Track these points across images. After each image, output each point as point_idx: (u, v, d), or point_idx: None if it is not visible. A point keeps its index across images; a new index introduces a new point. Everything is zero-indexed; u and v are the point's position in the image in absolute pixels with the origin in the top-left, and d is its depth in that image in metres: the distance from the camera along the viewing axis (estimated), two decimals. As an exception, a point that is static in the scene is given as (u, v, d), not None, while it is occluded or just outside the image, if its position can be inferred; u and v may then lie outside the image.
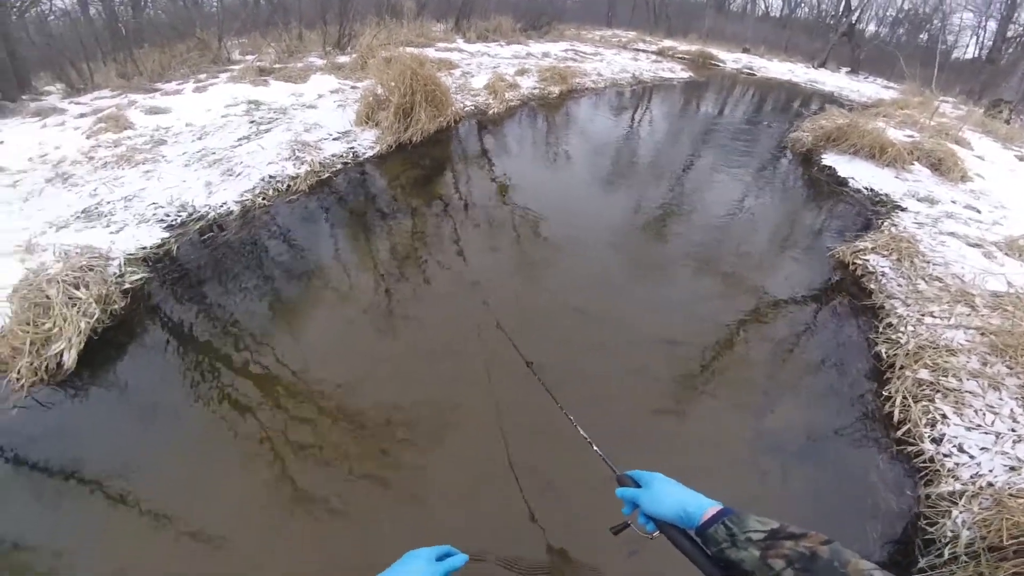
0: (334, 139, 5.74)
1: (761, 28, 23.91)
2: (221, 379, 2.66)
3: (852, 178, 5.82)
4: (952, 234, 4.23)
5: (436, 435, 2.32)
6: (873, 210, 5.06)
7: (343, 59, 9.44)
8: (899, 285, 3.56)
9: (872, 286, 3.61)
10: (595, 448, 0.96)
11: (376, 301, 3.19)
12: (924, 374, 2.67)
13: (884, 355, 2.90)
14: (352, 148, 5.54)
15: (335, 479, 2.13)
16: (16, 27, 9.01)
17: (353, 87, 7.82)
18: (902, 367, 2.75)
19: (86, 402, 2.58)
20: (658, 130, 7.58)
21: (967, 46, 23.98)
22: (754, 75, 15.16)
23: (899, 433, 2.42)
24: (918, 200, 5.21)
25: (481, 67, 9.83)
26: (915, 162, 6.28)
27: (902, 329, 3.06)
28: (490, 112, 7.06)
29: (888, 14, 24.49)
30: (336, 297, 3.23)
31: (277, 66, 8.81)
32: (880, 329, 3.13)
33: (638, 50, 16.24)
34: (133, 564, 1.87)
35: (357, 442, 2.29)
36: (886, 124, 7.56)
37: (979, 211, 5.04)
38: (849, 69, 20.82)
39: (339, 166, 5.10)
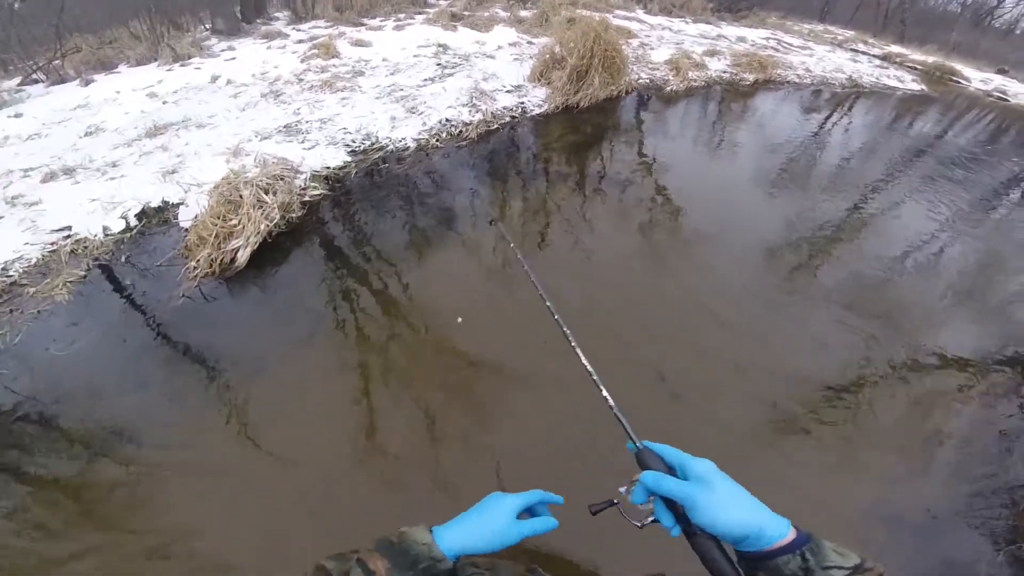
0: (507, 91, 5.74)
1: (1030, 44, 18.82)
2: (360, 301, 2.81)
3: None
4: None
5: (528, 380, 2.41)
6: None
7: (525, 13, 9.41)
8: None
9: None
10: (616, 412, 0.75)
11: (499, 261, 3.14)
12: None
13: None
14: (522, 103, 5.48)
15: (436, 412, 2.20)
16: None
17: (530, 43, 7.75)
18: None
19: (243, 302, 2.81)
20: (868, 144, 6.34)
21: None
22: (1007, 100, 12.01)
23: None
24: None
25: (662, 41, 9.11)
26: None
27: None
28: (667, 88, 6.51)
29: None
30: (475, 249, 3.21)
31: (466, 13, 9.08)
32: None
33: (856, 51, 13.79)
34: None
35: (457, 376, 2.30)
36: None
37: None
38: None
39: (508, 119, 5.09)
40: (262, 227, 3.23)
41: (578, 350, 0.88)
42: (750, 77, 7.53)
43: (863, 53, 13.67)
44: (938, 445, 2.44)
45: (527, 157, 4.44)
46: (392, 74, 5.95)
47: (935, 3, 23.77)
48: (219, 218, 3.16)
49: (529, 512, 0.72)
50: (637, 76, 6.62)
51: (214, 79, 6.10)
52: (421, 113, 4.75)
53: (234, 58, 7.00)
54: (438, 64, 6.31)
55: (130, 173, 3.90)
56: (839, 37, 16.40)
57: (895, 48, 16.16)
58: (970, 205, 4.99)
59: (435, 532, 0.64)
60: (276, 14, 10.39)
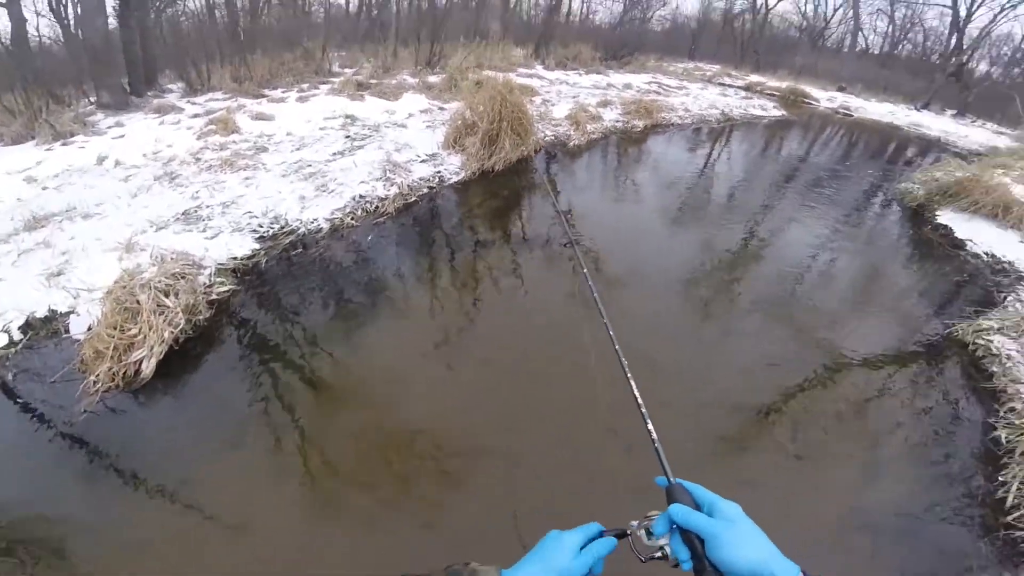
0: (422, 161, 5.82)
1: (859, 66, 22.40)
2: (285, 399, 2.65)
3: (970, 240, 5.19)
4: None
5: (483, 452, 2.32)
6: (994, 280, 4.47)
7: (433, 79, 9.70)
8: None
9: (994, 368, 3.26)
10: (656, 445, 0.78)
11: (442, 335, 3.13)
12: None
13: (1003, 440, 2.70)
14: (439, 172, 5.58)
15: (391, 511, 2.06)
16: (153, 26, 9.91)
17: (441, 108, 7.97)
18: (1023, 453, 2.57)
19: (156, 413, 2.58)
20: (749, 171, 7.17)
21: None
22: (851, 116, 14.16)
23: (1009, 518, 2.28)
24: (1054, 276, 4.51)
25: (561, 96, 9.78)
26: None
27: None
28: (571, 144, 6.95)
29: (1003, 53, 22.10)
30: (412, 333, 3.19)
31: (373, 81, 9.19)
32: (1001, 413, 2.89)
33: (724, 84, 15.65)
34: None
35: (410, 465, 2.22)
36: (1005, 177, 6.69)
37: None
38: (955, 112, 19.05)
39: (425, 190, 5.14)
40: (166, 335, 2.96)
41: (632, 382, 0.92)
42: (640, 123, 8.27)
43: (729, 86, 15.55)
44: (883, 444, 2.68)
45: (450, 227, 4.49)
46: (298, 149, 5.84)
47: (779, 31, 27.54)
48: (115, 328, 2.86)
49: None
50: (543, 134, 7.01)
51: (101, 160, 5.63)
52: (332, 191, 4.68)
53: (123, 135, 6.52)
54: (347, 136, 6.30)
55: (8, 276, 3.45)
56: (708, 73, 18.53)
57: (754, 77, 18.49)
58: (842, 217, 5.73)
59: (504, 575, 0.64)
60: (169, 86, 9.86)
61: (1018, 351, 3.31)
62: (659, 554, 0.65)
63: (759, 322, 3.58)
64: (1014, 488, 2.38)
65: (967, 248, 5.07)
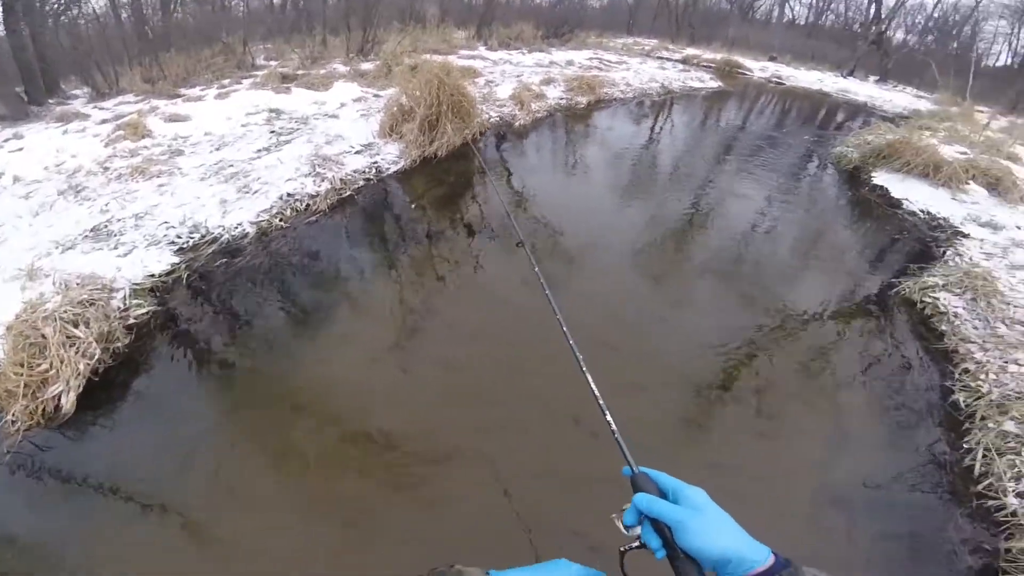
0: (356, 152, 5.43)
1: (787, 36, 23.14)
2: (228, 424, 2.37)
3: (906, 199, 5.33)
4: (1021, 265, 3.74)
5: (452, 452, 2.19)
6: (932, 236, 4.58)
7: (367, 66, 9.16)
8: (975, 328, 3.17)
9: (943, 327, 3.23)
10: (616, 436, 0.77)
11: (393, 338, 2.86)
12: (1010, 426, 2.43)
13: (963, 404, 2.63)
14: (375, 163, 5.22)
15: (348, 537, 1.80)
16: (49, 31, 8.95)
17: (376, 95, 7.52)
18: (983, 418, 2.52)
19: (84, 446, 2.34)
20: (692, 142, 7.14)
21: (999, 53, 22.83)
22: (783, 84, 14.55)
23: (979, 487, 2.22)
24: (980, 225, 4.71)
25: (505, 75, 9.48)
26: (971, 181, 5.74)
27: (982, 377, 2.76)
28: (516, 124, 6.70)
29: (917, 21, 23.49)
30: (360, 338, 2.91)
31: (300, 72, 8.58)
32: (956, 375, 2.83)
33: (662, 58, 15.73)
34: None
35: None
36: (931, 138, 7.01)
37: (1054, 238, 4.52)
38: (878, 78, 20.00)
39: (361, 183, 4.78)
40: (81, 367, 2.60)
41: (588, 375, 0.90)
42: (583, 100, 8.10)
43: (667, 59, 15.64)
44: (845, 414, 2.59)
45: (391, 221, 4.18)
46: (217, 149, 5.31)
47: (712, 4, 28.01)
48: (23, 365, 2.53)
49: None
50: (488, 116, 6.73)
51: (-5, 179, 4.97)
52: (256, 191, 4.25)
53: (21, 148, 5.77)
54: (272, 132, 5.78)
55: None
56: (646, 47, 18.61)
57: (691, 50, 18.71)
58: (783, 183, 5.76)
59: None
60: (73, 92, 8.90)
61: (964, 308, 3.33)
62: (636, 544, 0.64)
63: (712, 293, 3.51)
64: (980, 455, 2.32)
65: (903, 207, 5.18)
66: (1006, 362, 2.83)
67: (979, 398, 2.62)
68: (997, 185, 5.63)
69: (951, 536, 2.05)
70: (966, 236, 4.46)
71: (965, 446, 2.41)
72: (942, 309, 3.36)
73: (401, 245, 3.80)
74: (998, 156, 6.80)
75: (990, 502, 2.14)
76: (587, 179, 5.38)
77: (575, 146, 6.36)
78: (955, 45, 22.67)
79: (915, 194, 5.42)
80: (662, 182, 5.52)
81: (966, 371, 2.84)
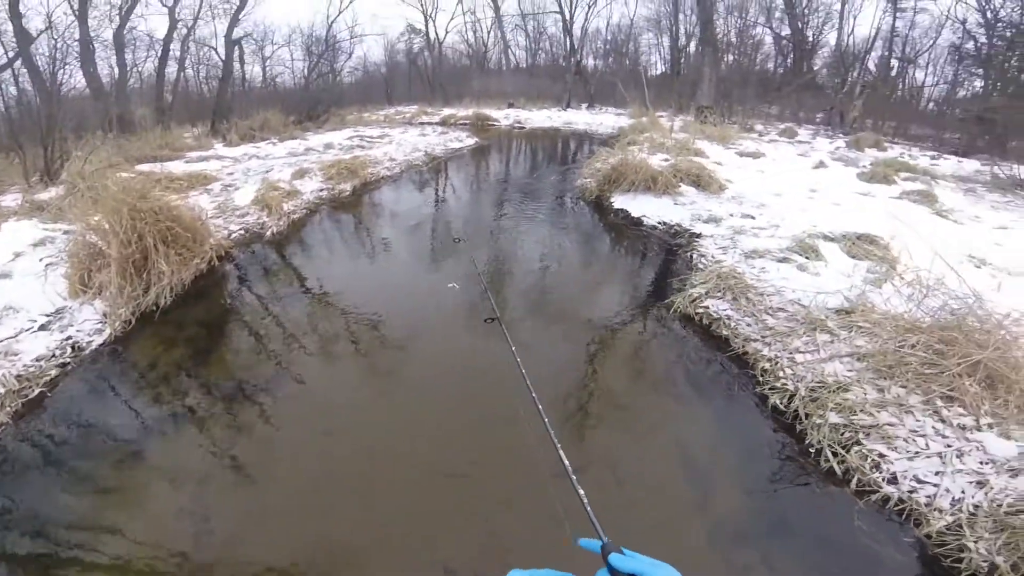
0: (41, 327, 3.79)
1: (516, 80, 26.38)
2: None
3: (644, 216, 6.02)
4: (756, 253, 4.40)
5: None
6: (675, 243, 5.14)
7: (47, 195, 6.97)
8: (748, 326, 3.35)
9: (724, 332, 3.36)
10: (587, 508, 0.79)
11: None
12: (835, 418, 2.43)
13: (781, 406, 2.63)
14: (69, 338, 3.69)
15: None
16: None
17: (66, 232, 5.65)
18: (808, 415, 2.50)
19: None
20: (464, 204, 7.12)
21: (656, 63, 27.80)
22: (524, 128, 16.42)
23: (853, 486, 2.15)
24: (704, 222, 5.55)
25: (249, 175, 8.32)
26: (680, 183, 6.90)
27: (780, 373, 2.82)
28: (267, 233, 5.70)
29: (599, 47, 28.19)
30: None
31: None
32: (760, 379, 2.85)
33: (423, 123, 16.32)
34: None
35: None
36: (641, 153, 8.36)
37: (753, 217, 5.54)
38: (587, 104, 24.28)
39: (54, 372, 3.27)
40: None
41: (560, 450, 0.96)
42: (347, 187, 7.46)
43: (428, 124, 16.35)
44: (686, 444, 2.45)
45: (104, 419, 2.85)
46: None
47: (453, 62, 30.63)
48: None
49: None
50: (227, 231, 5.57)
51: None
52: None
53: None
54: None
55: None
56: (407, 114, 19.21)
57: (447, 111, 19.98)
58: (549, 221, 6.04)
59: None
60: None
61: (731, 309, 3.52)
62: None
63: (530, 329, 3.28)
64: (830, 455, 2.27)
65: (644, 223, 5.77)
66: (790, 352, 2.94)
67: (791, 397, 2.62)
68: (699, 182, 6.87)
69: (867, 543, 1.94)
70: (699, 236, 5.16)
71: (811, 450, 2.35)
72: (715, 315, 3.50)
73: (140, 438, 2.57)
74: (688, 154, 8.49)
75: (872, 496, 2.09)
76: (371, 272, 4.74)
77: (346, 239, 5.70)
78: (627, 62, 28.35)
79: (647, 208, 6.18)
80: (440, 248, 5.31)
81: (764, 371, 2.87)
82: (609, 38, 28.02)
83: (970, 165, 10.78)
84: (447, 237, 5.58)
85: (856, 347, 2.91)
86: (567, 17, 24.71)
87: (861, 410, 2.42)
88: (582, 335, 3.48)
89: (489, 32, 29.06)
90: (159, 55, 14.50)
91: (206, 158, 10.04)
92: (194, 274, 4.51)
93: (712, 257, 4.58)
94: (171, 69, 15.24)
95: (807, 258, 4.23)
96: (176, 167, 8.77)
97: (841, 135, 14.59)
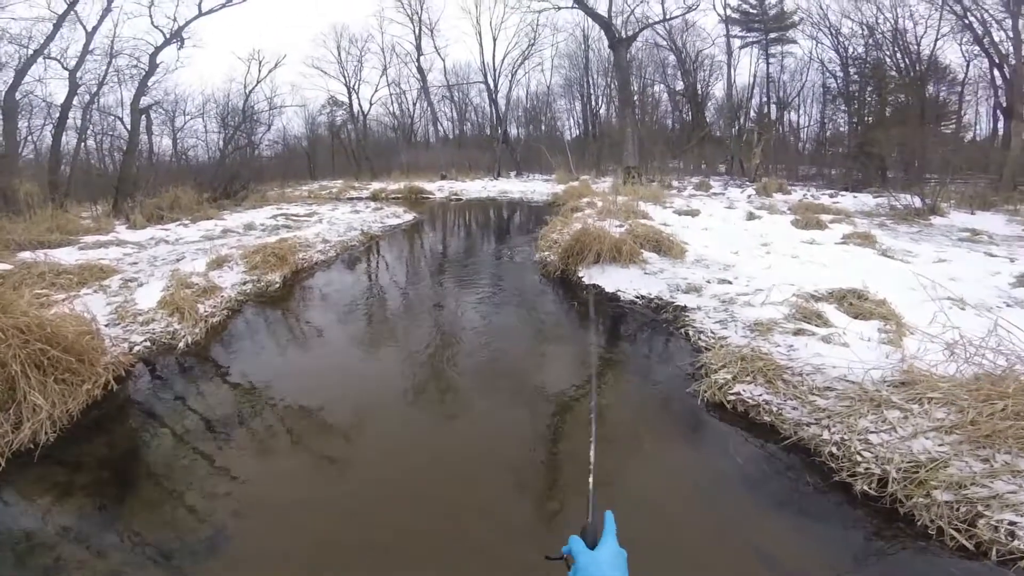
0: None
1: (445, 152, 26.48)
2: None
3: (619, 290, 5.55)
4: (761, 326, 3.98)
5: None
6: (662, 319, 4.69)
7: None
8: (794, 409, 2.93)
9: (767, 419, 2.94)
10: (590, 486, 0.82)
11: None
12: (944, 496, 2.15)
13: (872, 492, 2.30)
14: None
15: None
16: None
17: None
18: (908, 496, 2.22)
19: None
20: (423, 288, 6.33)
21: (571, 128, 29.74)
22: (461, 199, 16.17)
23: (993, 557, 1.94)
24: (684, 292, 5.16)
25: (156, 264, 6.93)
26: (642, 251, 6.62)
27: (857, 458, 2.46)
28: (180, 343, 4.42)
29: (520, 115, 29.50)
30: None
31: None
32: (832, 467, 2.50)
33: (353, 199, 15.46)
34: None
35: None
36: (591, 218, 8.10)
37: (730, 282, 5.26)
38: (515, 172, 24.94)
39: None
40: None
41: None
42: (276, 277, 6.30)
43: (358, 199, 15.52)
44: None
45: None
46: None
47: (378, 135, 30.29)
48: None
49: None
50: (128, 344, 4.22)
51: None
52: None
53: None
54: None
55: None
56: (333, 189, 18.26)
57: (376, 184, 19.33)
58: (514, 305, 5.44)
59: None
60: None
61: (767, 393, 3.07)
62: None
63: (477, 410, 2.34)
64: (951, 530, 1.96)
65: (621, 299, 5.30)
66: (861, 435, 2.58)
67: (882, 481, 2.32)
68: (659, 247, 6.64)
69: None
70: (685, 309, 4.73)
71: (929, 531, 2.06)
72: (751, 401, 3.07)
73: None
74: (636, 218, 8.42)
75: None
76: (313, 384, 3.62)
77: (281, 347, 4.56)
78: (543, 128, 29.85)
79: (619, 281, 5.71)
80: (397, 323, 4.77)
81: (833, 456, 2.54)
82: (528, 106, 29.38)
83: (864, 199, 11.97)
84: (408, 341, 4.62)
85: (937, 420, 2.58)
86: (492, 87, 25.69)
87: (972, 483, 2.19)
88: (616, 442, 2.79)
89: (415, 104, 29.39)
90: (55, 123, 12.39)
91: (105, 244, 8.39)
92: (85, 402, 3.24)
93: (711, 333, 4.14)
94: (73, 139, 13.18)
95: (816, 326, 3.89)
96: (67, 255, 7.14)
97: (748, 183, 15.88)
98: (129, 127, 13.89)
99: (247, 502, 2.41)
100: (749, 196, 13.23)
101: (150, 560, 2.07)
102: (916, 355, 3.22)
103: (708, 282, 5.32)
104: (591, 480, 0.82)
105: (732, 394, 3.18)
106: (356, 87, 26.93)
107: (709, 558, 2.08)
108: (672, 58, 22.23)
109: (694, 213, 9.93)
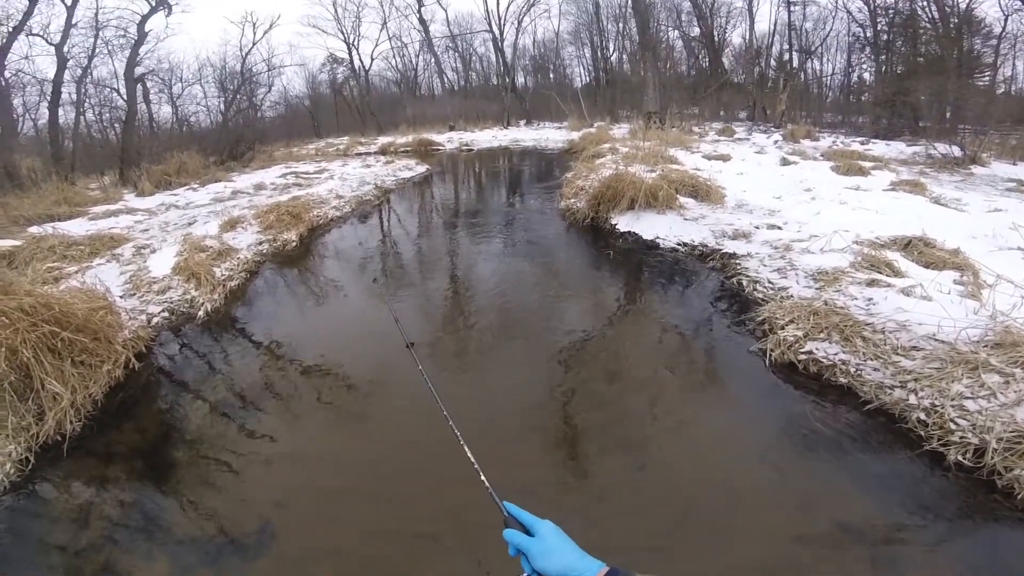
0: None
1: (452, 103, 25.17)
2: None
3: (657, 237, 5.08)
4: (826, 274, 3.53)
5: None
6: (709, 268, 4.26)
7: None
8: (875, 371, 2.58)
9: (842, 380, 2.61)
10: (482, 478, 0.82)
11: None
12: None
13: (968, 463, 2.04)
14: None
15: None
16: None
17: None
18: (1008, 468, 1.96)
19: None
20: (450, 242, 5.90)
21: (580, 75, 28.33)
22: (472, 150, 15.31)
23: None
24: (731, 239, 4.67)
25: (168, 229, 6.57)
26: (678, 196, 6.05)
27: (951, 426, 2.16)
28: (199, 312, 4.11)
29: (527, 64, 28.05)
30: None
31: None
32: (922, 435, 2.22)
33: (361, 154, 14.70)
34: None
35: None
36: (627, 164, 7.46)
37: (780, 227, 4.75)
38: (525, 121, 23.66)
39: None
40: None
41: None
42: (292, 236, 5.91)
43: (367, 154, 14.76)
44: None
45: None
46: None
47: (382, 90, 28.78)
48: None
49: None
50: (146, 316, 3.93)
51: None
52: None
53: None
54: None
55: None
56: (340, 146, 17.44)
57: (383, 139, 18.45)
58: (554, 250, 5.06)
59: None
60: None
61: (844, 352, 2.69)
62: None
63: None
64: None
65: (662, 246, 4.86)
66: (954, 400, 2.26)
67: (978, 451, 2.05)
68: (696, 193, 6.05)
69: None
70: (735, 256, 4.26)
71: None
72: (825, 361, 2.71)
73: None
74: (665, 163, 7.72)
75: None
76: (345, 345, 3.34)
77: (305, 309, 4.24)
78: (552, 76, 28.23)
79: (658, 228, 5.22)
80: (422, 269, 4.48)
81: (921, 422, 2.26)
82: (536, 54, 27.58)
83: (898, 147, 11.04)
84: (442, 297, 4.26)
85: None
86: (497, 36, 23.89)
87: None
88: (684, 410, 2.47)
89: (418, 56, 27.56)
90: (50, 98, 11.77)
91: (114, 213, 8.03)
92: (108, 383, 2.99)
93: (769, 283, 3.70)
94: (71, 114, 12.60)
95: (888, 276, 3.41)
96: (76, 227, 6.81)
97: (773, 129, 14.81)
98: (126, 97, 13.15)
99: (290, 488, 2.13)
100: (776, 142, 12.26)
101: (198, 562, 1.81)
102: (1007, 313, 2.74)
103: (756, 228, 4.79)
104: (483, 477, 0.82)
105: (803, 352, 2.80)
106: (356, 43, 25.18)
107: (793, 529, 1.83)
108: (687, 4, 20.32)
109: (725, 158, 9.15)
